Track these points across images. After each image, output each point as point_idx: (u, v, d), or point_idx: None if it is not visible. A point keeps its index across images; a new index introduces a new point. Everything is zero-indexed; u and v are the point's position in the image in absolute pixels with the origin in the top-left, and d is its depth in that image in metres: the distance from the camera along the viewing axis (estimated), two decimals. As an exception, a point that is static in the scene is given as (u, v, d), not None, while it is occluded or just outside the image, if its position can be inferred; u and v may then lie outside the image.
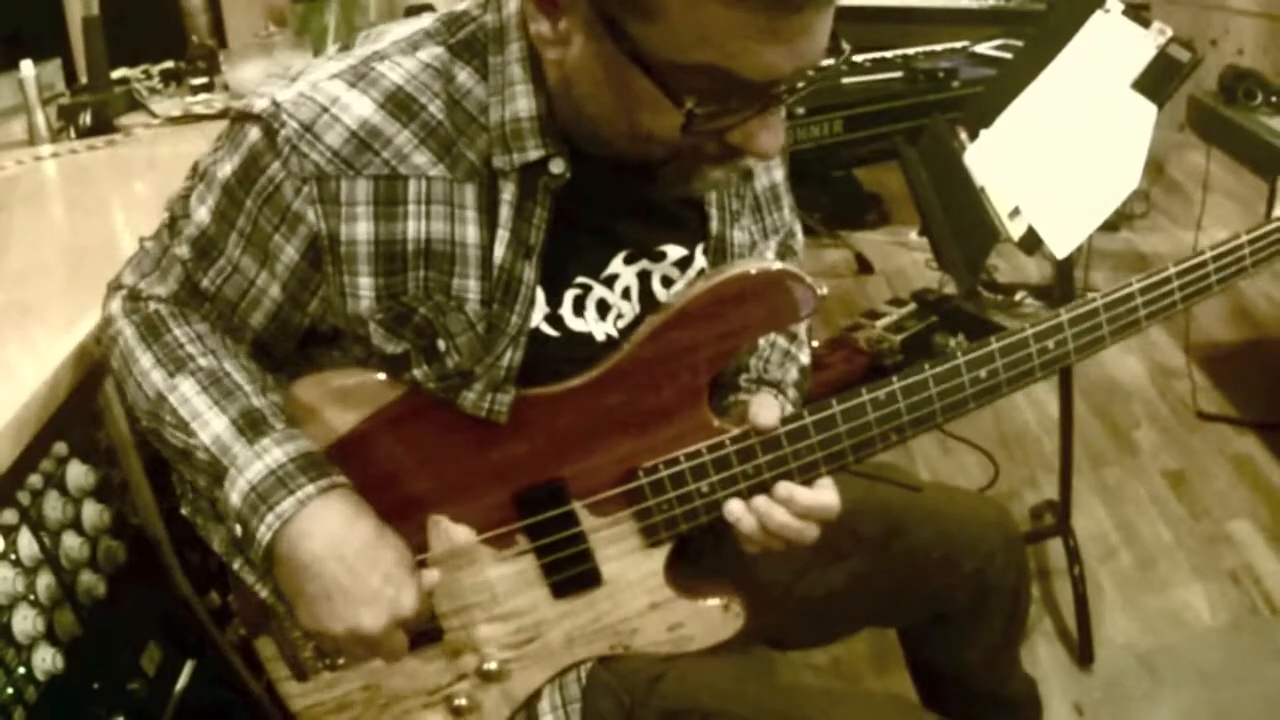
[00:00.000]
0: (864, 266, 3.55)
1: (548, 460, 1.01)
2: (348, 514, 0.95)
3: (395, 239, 0.92)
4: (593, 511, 1.03)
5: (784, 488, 1.00)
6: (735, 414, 1.05)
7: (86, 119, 2.17)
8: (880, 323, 2.84)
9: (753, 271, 0.98)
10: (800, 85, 0.84)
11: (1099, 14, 1.76)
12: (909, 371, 1.01)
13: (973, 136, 2.00)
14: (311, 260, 0.94)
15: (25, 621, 1.02)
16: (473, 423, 0.99)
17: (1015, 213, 1.77)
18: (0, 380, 1.11)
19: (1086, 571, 2.00)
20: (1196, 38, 3.99)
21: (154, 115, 2.30)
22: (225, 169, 0.94)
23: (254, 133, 0.90)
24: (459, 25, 0.93)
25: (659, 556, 1.06)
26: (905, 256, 3.63)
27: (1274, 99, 2.42)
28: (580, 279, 1.01)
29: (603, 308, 1.02)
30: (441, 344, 0.96)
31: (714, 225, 1.06)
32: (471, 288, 0.94)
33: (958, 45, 3.65)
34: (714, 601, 1.08)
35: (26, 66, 2.07)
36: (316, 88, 0.90)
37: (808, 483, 1.01)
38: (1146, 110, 1.54)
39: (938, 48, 3.63)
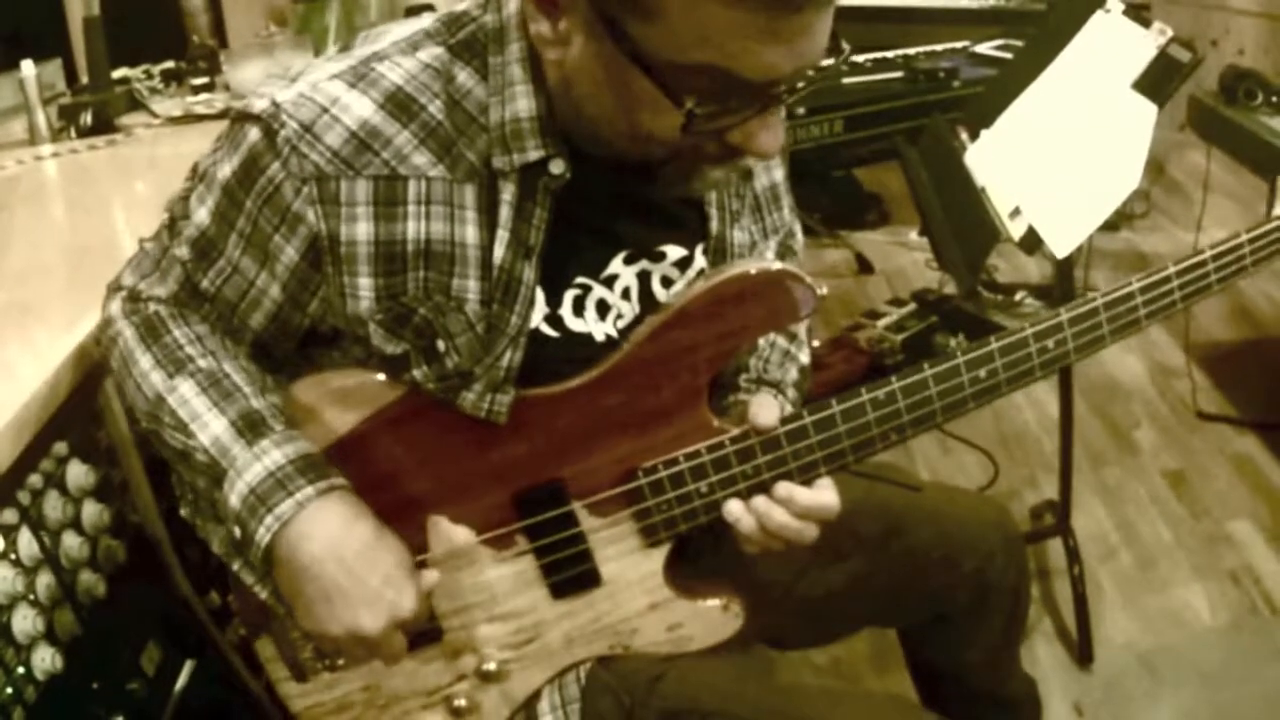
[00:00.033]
0: (864, 266, 3.55)
1: (547, 461, 1.01)
2: (346, 516, 0.95)
3: (395, 239, 0.92)
4: (592, 512, 1.03)
5: (783, 488, 1.00)
6: (735, 414, 1.05)
7: (87, 119, 2.17)
8: (880, 323, 2.84)
9: (752, 271, 0.98)
10: (800, 85, 0.84)
11: (1099, 14, 1.76)
12: (908, 371, 1.01)
13: (973, 136, 2.00)
14: (311, 261, 0.94)
15: (25, 621, 1.02)
16: (472, 423, 0.99)
17: (1015, 213, 1.77)
18: (0, 380, 1.11)
19: (1086, 571, 2.00)
20: (1197, 38, 3.99)
21: (155, 115, 2.30)
22: (225, 170, 0.94)
23: (254, 133, 0.90)
24: (459, 25, 0.93)
25: (658, 557, 1.06)
26: (905, 256, 3.63)
27: (1274, 99, 2.42)
28: (580, 279, 1.00)
29: (602, 308, 1.02)
30: (441, 344, 0.96)
31: (714, 225, 1.06)
32: (471, 288, 0.94)
33: (958, 45, 3.65)
34: (713, 602, 1.08)
35: (27, 66, 2.07)
36: (316, 88, 0.90)
37: (807, 483, 1.01)
38: (1147, 110, 1.54)
39: (938, 48, 3.63)
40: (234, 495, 0.94)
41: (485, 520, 1.03)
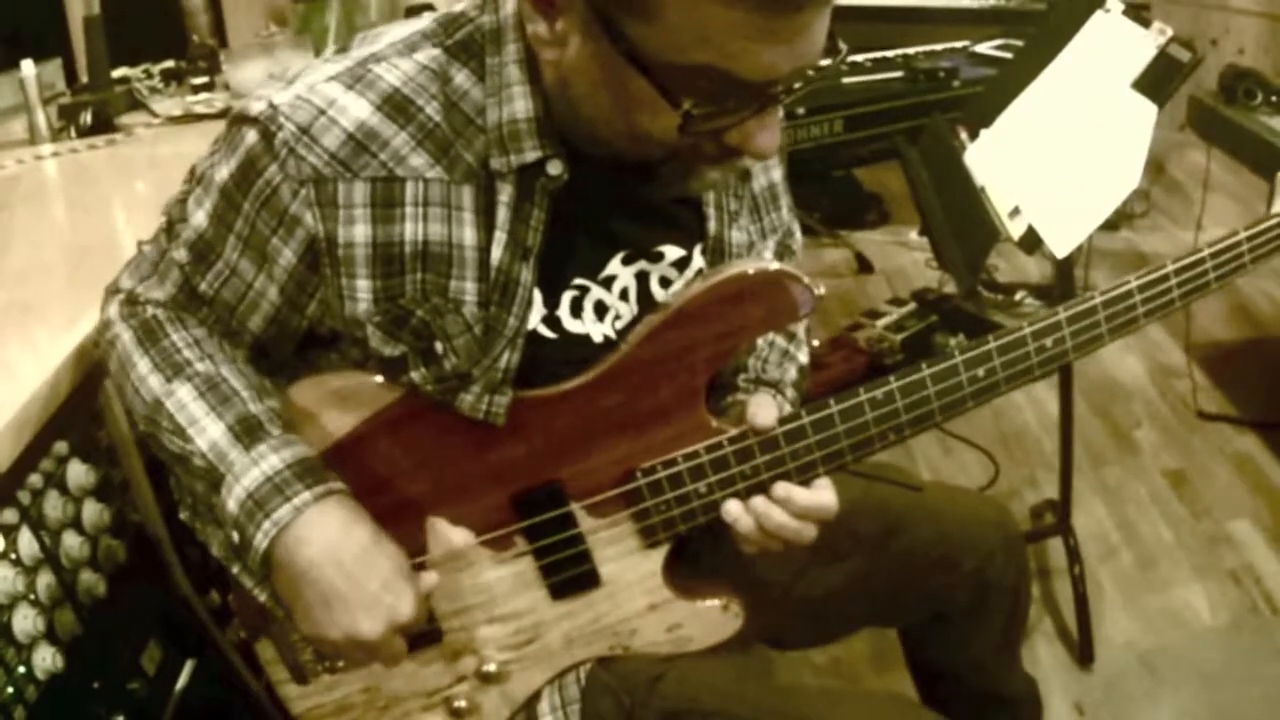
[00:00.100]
0: (864, 266, 3.55)
1: (546, 462, 1.01)
2: (345, 520, 0.95)
3: (393, 241, 0.92)
4: (591, 513, 1.03)
5: (782, 488, 1.00)
6: (733, 414, 1.05)
7: (87, 118, 2.17)
8: (880, 322, 2.83)
9: (750, 272, 0.98)
10: (798, 85, 0.84)
11: (1099, 14, 1.76)
12: (907, 371, 1.01)
13: (973, 136, 2.00)
14: (309, 263, 0.94)
15: (25, 621, 1.02)
16: (470, 425, 0.99)
17: (1015, 212, 1.77)
18: (1, 380, 1.11)
19: (1087, 571, 2.00)
20: (1197, 37, 3.99)
21: (155, 115, 2.30)
22: (222, 172, 0.94)
23: (251, 136, 0.90)
24: (456, 26, 0.93)
25: (657, 557, 1.06)
26: (905, 256, 3.63)
27: (1274, 99, 2.42)
28: (577, 280, 1.00)
29: (600, 309, 1.02)
30: (439, 346, 0.96)
31: (712, 225, 1.06)
32: (469, 290, 0.94)
33: (958, 45, 3.64)
34: (713, 602, 1.08)
35: (27, 66, 2.07)
36: (313, 90, 0.90)
37: (806, 483, 1.01)
38: (1147, 110, 1.54)
39: (938, 47, 3.62)
40: (232, 500, 0.93)
41: (484, 522, 1.03)
